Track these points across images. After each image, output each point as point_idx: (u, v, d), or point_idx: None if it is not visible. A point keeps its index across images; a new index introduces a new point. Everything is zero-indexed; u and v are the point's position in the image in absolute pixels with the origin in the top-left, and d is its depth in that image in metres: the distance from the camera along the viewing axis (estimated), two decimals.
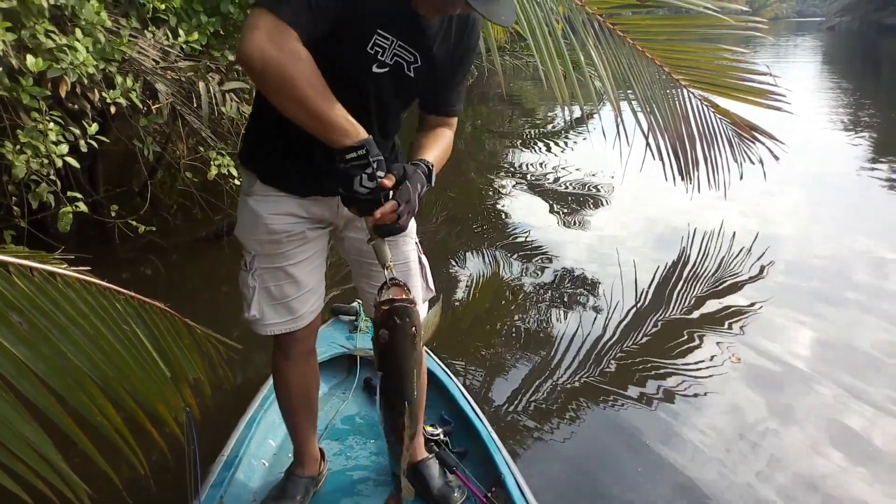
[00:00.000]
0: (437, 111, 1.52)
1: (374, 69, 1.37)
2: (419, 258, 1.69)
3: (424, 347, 1.81)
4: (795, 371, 2.76)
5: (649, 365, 2.81)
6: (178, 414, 1.52)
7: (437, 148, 1.45)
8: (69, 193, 2.62)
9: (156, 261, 3.71)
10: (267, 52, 1.15)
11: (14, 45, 2.21)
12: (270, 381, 1.97)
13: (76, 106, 2.59)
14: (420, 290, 1.67)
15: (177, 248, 3.87)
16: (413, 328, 1.24)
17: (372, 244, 1.30)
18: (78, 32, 2.40)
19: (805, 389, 2.65)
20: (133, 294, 1.57)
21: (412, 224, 1.65)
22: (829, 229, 4.65)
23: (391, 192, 1.22)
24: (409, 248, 1.66)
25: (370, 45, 1.33)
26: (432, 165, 1.37)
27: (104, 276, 1.48)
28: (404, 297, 1.26)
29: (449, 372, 2.21)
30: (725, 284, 3.68)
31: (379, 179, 1.20)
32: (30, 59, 2.19)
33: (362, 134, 1.22)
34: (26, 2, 2.18)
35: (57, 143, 2.40)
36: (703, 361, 2.84)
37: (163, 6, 2.80)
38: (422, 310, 1.68)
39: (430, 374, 2.04)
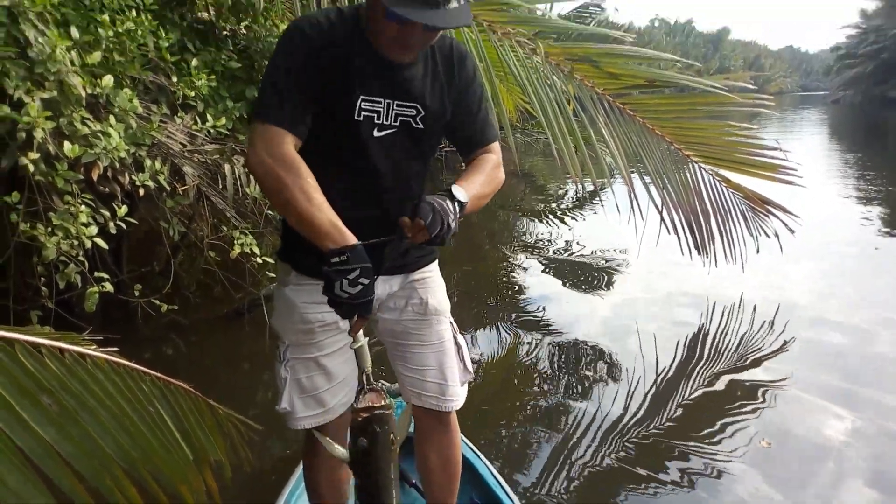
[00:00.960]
0: (471, 150, 1.55)
1: (375, 133, 1.41)
2: (455, 337, 1.67)
3: (462, 438, 1.79)
4: (827, 455, 2.65)
5: (673, 446, 2.73)
6: (201, 496, 1.50)
7: (471, 173, 1.46)
8: (96, 273, 2.67)
9: (177, 339, 3.73)
10: (263, 163, 1.29)
11: (52, 133, 2.32)
12: (299, 471, 1.94)
13: (107, 189, 2.68)
14: (457, 371, 1.65)
15: (198, 326, 3.90)
16: (391, 436, 1.25)
17: (353, 348, 1.33)
18: (112, 119, 2.52)
19: (838, 479, 2.52)
20: (158, 375, 1.58)
21: (446, 303, 1.66)
22: (848, 301, 4.60)
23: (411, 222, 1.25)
24: (443, 328, 1.65)
25: (356, 112, 1.37)
26: (455, 186, 1.35)
27: (128, 355, 1.50)
28: (382, 403, 1.26)
29: (479, 452, 2.15)
30: (748, 360, 3.62)
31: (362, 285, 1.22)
32: (67, 145, 2.29)
33: (348, 240, 1.24)
34: (66, 92, 2.30)
35: (87, 225, 2.47)
36: (725, 441, 2.75)
37: (192, 93, 2.94)
38: (461, 393, 1.67)
39: (465, 460, 1.95)
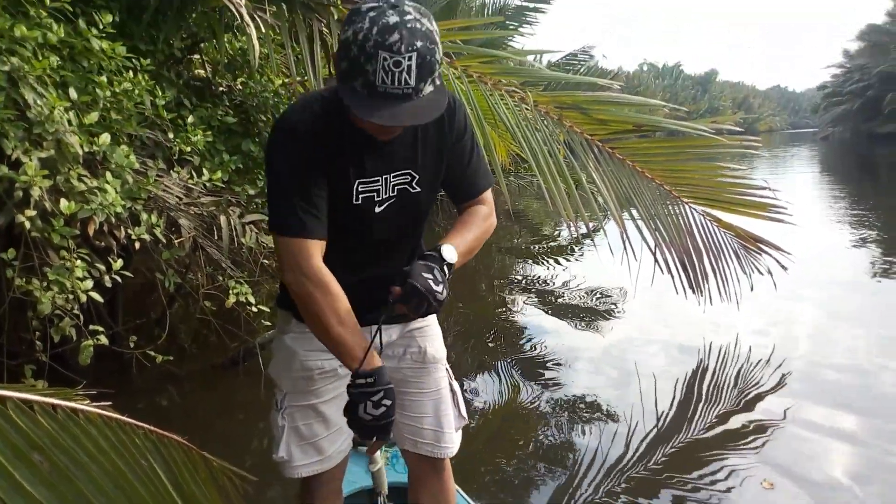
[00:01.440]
0: (463, 201, 1.54)
1: (377, 210, 1.41)
2: (450, 384, 1.69)
3: (456, 487, 1.79)
4: (833, 496, 2.62)
5: (673, 488, 2.70)
6: None
7: (462, 228, 1.46)
8: (91, 327, 2.67)
9: (172, 390, 3.71)
10: (298, 282, 1.31)
11: (49, 190, 2.36)
12: None
13: (102, 243, 2.71)
14: (453, 418, 1.67)
15: (193, 375, 3.88)
16: None
17: (372, 471, 1.38)
18: (108, 175, 2.56)
19: None
20: (151, 428, 1.58)
21: (443, 350, 1.68)
22: (846, 336, 4.61)
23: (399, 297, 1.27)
24: (440, 375, 1.66)
25: (355, 197, 1.37)
26: (446, 245, 1.35)
27: (122, 406, 1.50)
28: None
29: (471, 501, 2.12)
30: (747, 398, 3.60)
31: (385, 405, 1.26)
32: (63, 202, 2.32)
33: (375, 363, 1.29)
34: (63, 150, 2.34)
35: (82, 280, 2.48)
36: (728, 482, 2.72)
37: (188, 148, 2.99)
38: (456, 439, 1.68)
39: None
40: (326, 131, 1.34)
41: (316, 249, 1.31)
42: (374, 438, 1.31)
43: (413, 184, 1.43)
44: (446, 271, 1.31)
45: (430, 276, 1.26)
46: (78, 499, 1.26)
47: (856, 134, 43.61)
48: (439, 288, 1.26)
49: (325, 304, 1.29)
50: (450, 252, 1.34)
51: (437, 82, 1.22)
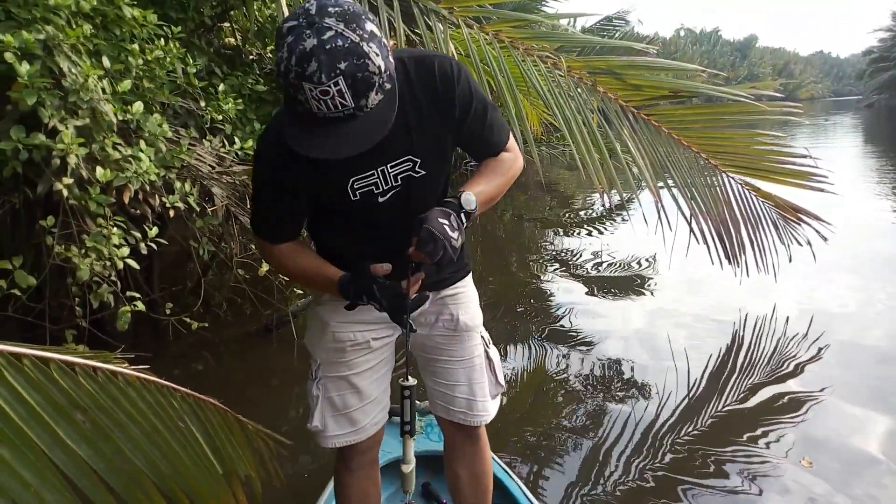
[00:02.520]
0: (486, 157, 1.51)
1: (380, 200, 1.38)
2: (486, 352, 1.67)
3: (492, 453, 1.79)
4: (872, 470, 2.55)
5: (709, 461, 2.68)
6: None
7: (481, 175, 1.45)
8: (128, 293, 2.73)
9: (207, 356, 3.79)
10: (269, 262, 1.56)
11: (85, 158, 2.39)
12: (330, 487, 1.94)
13: (138, 211, 2.75)
14: (487, 386, 1.65)
15: (227, 343, 3.96)
16: None
17: (405, 472, 1.48)
18: (142, 143, 2.59)
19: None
20: (188, 391, 1.61)
21: (479, 317, 1.66)
22: (886, 312, 4.47)
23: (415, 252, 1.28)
24: (473, 343, 1.64)
25: (352, 194, 1.36)
26: (465, 193, 1.34)
27: (158, 372, 1.53)
28: None
29: (509, 471, 2.13)
30: (783, 372, 3.53)
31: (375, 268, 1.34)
32: (99, 170, 2.35)
33: (336, 277, 1.39)
34: (98, 119, 2.37)
35: (119, 247, 2.53)
36: (764, 460, 2.66)
37: (220, 117, 3.00)
38: (491, 407, 1.68)
39: (494, 477, 1.92)
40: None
41: (277, 245, 1.48)
42: (401, 316, 1.36)
43: (416, 168, 1.38)
44: (463, 219, 1.30)
45: (446, 221, 1.25)
46: (117, 457, 1.29)
47: None
48: (455, 234, 1.25)
49: (291, 270, 1.53)
50: (468, 199, 1.32)
51: (387, 86, 1.15)
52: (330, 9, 1.07)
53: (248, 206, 3.12)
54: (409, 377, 1.41)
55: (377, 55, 1.09)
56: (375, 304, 1.33)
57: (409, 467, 1.44)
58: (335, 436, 1.59)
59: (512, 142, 1.52)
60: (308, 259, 1.46)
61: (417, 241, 1.24)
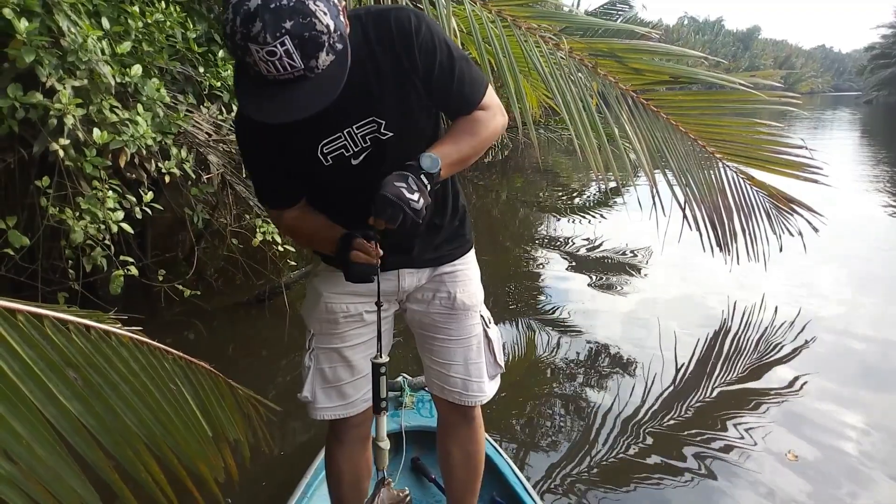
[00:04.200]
0: (459, 115, 1.42)
1: (353, 162, 1.37)
2: (485, 331, 1.65)
3: (486, 436, 1.79)
4: (848, 463, 2.57)
5: (693, 446, 2.72)
6: (219, 474, 1.54)
7: (448, 136, 1.38)
8: (121, 257, 2.73)
9: (198, 324, 3.80)
10: (282, 230, 1.68)
11: (81, 120, 2.38)
12: (321, 457, 1.95)
13: (133, 175, 2.74)
14: (484, 366, 1.63)
15: (219, 312, 3.97)
16: None
17: (379, 445, 1.43)
18: (139, 107, 2.57)
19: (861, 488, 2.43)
20: (181, 354, 1.62)
21: (479, 295, 1.64)
22: (874, 306, 4.53)
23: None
24: (472, 322, 1.62)
25: (325, 159, 1.35)
26: (427, 154, 1.27)
27: (150, 338, 1.54)
28: (399, 498, 1.38)
29: (501, 450, 2.15)
30: (768, 361, 3.58)
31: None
32: (96, 132, 2.34)
33: (339, 234, 1.37)
34: (96, 80, 2.35)
35: (114, 210, 2.53)
36: (750, 456, 2.63)
37: (218, 84, 2.98)
38: (491, 387, 1.66)
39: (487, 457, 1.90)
40: None
41: (286, 210, 1.48)
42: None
43: (382, 129, 1.35)
44: (424, 180, 1.24)
45: (402, 184, 1.21)
46: (108, 415, 1.31)
47: None
48: (414, 196, 1.20)
49: (295, 235, 1.60)
50: (428, 161, 1.26)
51: (339, 46, 1.11)
52: None
53: (245, 176, 3.12)
54: (382, 354, 1.37)
55: (325, 14, 1.06)
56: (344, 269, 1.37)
57: (385, 444, 1.41)
58: (325, 408, 1.59)
59: (490, 98, 1.42)
60: (318, 220, 1.46)
61: (374, 207, 1.21)
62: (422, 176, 1.24)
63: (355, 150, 1.35)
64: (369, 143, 1.35)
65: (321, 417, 1.61)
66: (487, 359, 1.64)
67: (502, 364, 1.69)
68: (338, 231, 1.38)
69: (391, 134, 1.35)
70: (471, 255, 1.65)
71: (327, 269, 1.55)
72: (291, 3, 1.03)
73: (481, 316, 1.65)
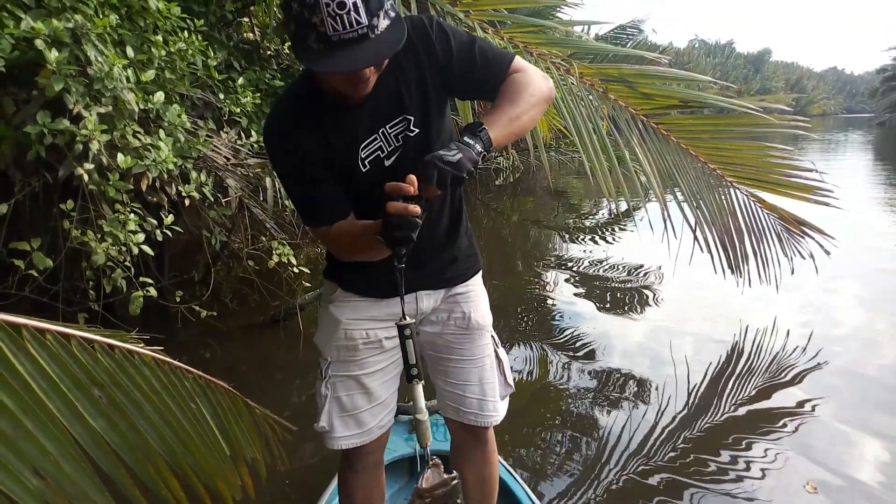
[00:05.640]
0: (495, 91, 1.39)
1: (387, 163, 1.40)
2: (496, 352, 1.67)
3: (499, 458, 1.78)
4: (869, 492, 2.52)
5: (707, 472, 2.71)
6: (236, 492, 1.56)
7: (499, 105, 1.33)
8: (141, 279, 2.79)
9: (214, 344, 3.85)
10: (331, 249, 1.50)
11: (106, 145, 2.45)
12: (334, 483, 1.95)
13: (154, 199, 2.81)
14: (497, 386, 1.65)
15: (234, 332, 4.02)
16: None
17: (418, 418, 1.32)
18: (161, 133, 2.65)
19: None
20: (200, 373, 1.66)
21: (489, 317, 1.66)
22: (888, 329, 4.50)
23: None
24: (485, 342, 1.64)
25: (362, 164, 1.37)
26: (472, 127, 1.25)
27: (169, 357, 1.58)
28: (445, 479, 1.31)
29: (515, 474, 2.14)
30: (781, 386, 3.54)
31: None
32: (119, 157, 2.41)
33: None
34: (120, 107, 2.43)
35: (135, 233, 2.59)
36: (767, 485, 2.60)
37: (237, 110, 3.06)
38: (501, 408, 1.67)
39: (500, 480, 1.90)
40: (305, 121, 1.34)
41: (335, 225, 1.41)
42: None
43: (411, 126, 1.39)
44: (468, 140, 1.21)
45: (443, 150, 1.19)
46: (131, 432, 1.35)
47: None
48: (451, 153, 1.17)
49: (345, 243, 1.40)
50: (472, 129, 1.24)
51: (392, 14, 1.16)
52: None
53: (267, 200, 3.18)
54: (406, 317, 1.28)
55: None
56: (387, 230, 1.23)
57: (424, 416, 1.31)
58: (342, 437, 1.59)
59: (519, 62, 1.40)
60: (357, 223, 1.39)
61: (417, 174, 1.18)
62: (465, 137, 1.22)
63: (388, 150, 1.39)
64: (401, 142, 1.39)
65: (338, 447, 1.60)
66: (499, 379, 1.66)
67: (512, 384, 1.70)
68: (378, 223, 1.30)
69: (417, 131, 1.39)
70: (479, 277, 1.68)
71: (344, 294, 1.55)
72: None
73: (492, 336, 1.67)
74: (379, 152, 1.38)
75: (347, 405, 1.57)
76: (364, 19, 1.10)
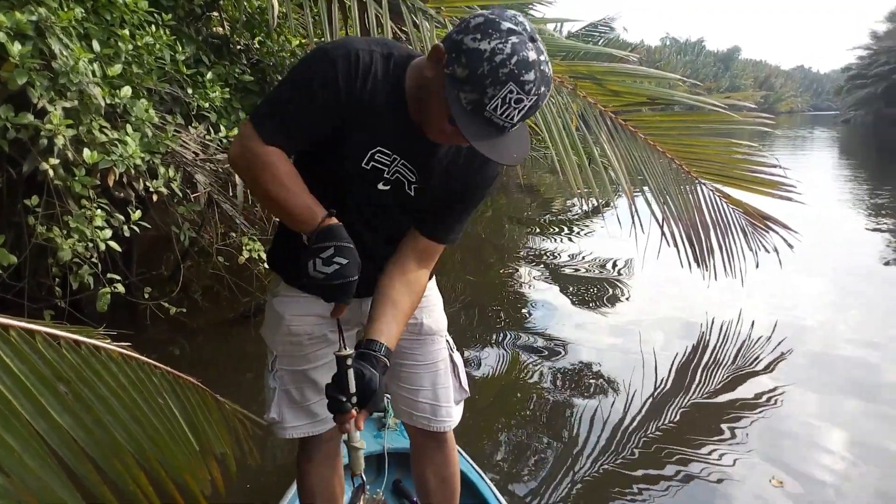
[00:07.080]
0: (428, 233, 1.44)
1: (379, 186, 1.37)
2: (450, 356, 1.65)
3: (458, 448, 1.76)
4: (833, 483, 2.58)
5: (674, 465, 2.77)
6: (206, 487, 1.57)
7: (400, 313, 1.38)
8: (108, 275, 2.76)
9: (183, 341, 3.82)
10: (241, 161, 1.32)
11: (71, 140, 2.42)
12: (294, 489, 1.92)
13: (121, 194, 2.78)
14: (452, 391, 1.63)
15: (204, 329, 3.98)
16: None
17: (350, 444, 1.29)
18: (128, 128, 2.62)
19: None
20: (168, 369, 1.67)
21: (443, 321, 1.64)
22: (851, 319, 4.63)
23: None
24: (438, 347, 1.62)
25: (366, 160, 1.33)
26: (383, 348, 1.30)
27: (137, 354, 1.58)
28: None
29: (478, 469, 2.15)
30: (746, 377, 3.64)
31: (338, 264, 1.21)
32: (86, 152, 2.38)
33: (323, 221, 1.24)
34: (86, 101, 2.40)
35: (101, 229, 2.56)
36: (734, 481, 2.62)
37: (206, 105, 3.04)
38: (455, 413, 1.65)
39: (462, 475, 1.86)
40: (372, 86, 1.27)
41: (276, 151, 1.29)
42: (335, 301, 1.27)
43: (410, 185, 1.38)
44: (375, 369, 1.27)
45: (372, 375, 1.25)
46: (98, 428, 1.34)
47: (878, 117, 42.90)
48: (374, 379, 1.25)
49: (266, 176, 1.27)
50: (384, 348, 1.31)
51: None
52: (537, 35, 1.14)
53: (237, 196, 3.16)
54: (345, 347, 1.27)
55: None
56: (315, 271, 1.21)
57: (359, 444, 1.28)
58: (293, 427, 1.57)
59: (441, 250, 1.47)
60: (300, 181, 1.30)
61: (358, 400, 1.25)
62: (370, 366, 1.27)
63: (389, 177, 1.36)
64: (392, 180, 1.37)
65: (290, 436, 1.58)
66: (453, 384, 1.64)
67: (467, 389, 1.68)
68: (316, 206, 1.27)
69: (412, 195, 1.40)
70: (434, 283, 1.65)
71: (287, 289, 1.52)
72: (549, 73, 1.14)
73: (447, 341, 1.65)
74: (385, 169, 1.35)
75: (297, 397, 1.56)
76: (517, 120, 1.14)
